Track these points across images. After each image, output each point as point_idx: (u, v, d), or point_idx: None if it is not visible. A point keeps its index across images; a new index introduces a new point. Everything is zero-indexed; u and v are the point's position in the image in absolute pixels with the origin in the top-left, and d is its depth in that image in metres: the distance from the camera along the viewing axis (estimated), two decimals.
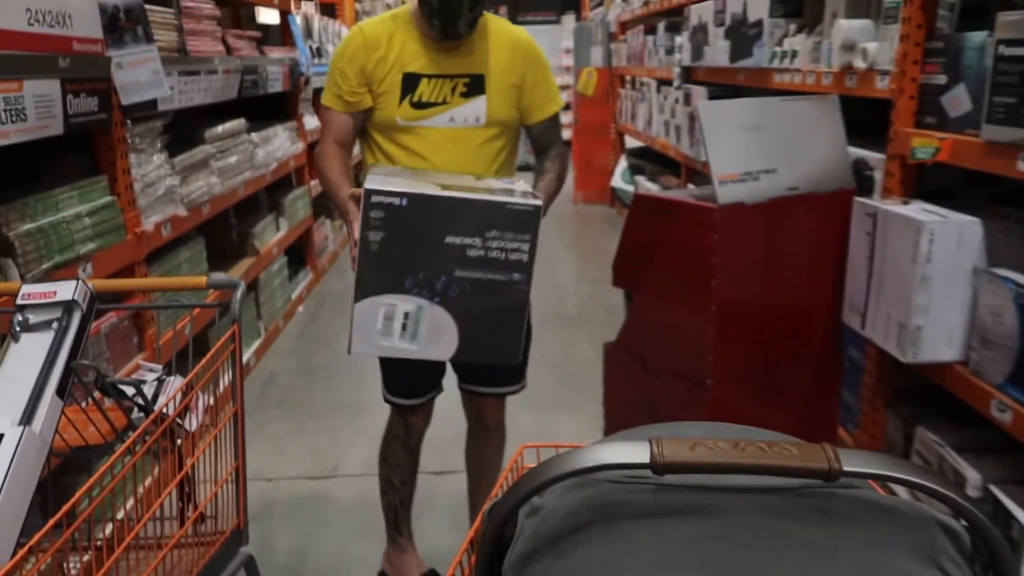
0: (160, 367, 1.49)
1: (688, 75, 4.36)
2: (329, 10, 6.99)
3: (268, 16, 5.00)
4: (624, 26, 6.91)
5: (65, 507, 1.03)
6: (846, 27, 2.33)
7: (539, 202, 1.54)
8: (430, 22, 1.75)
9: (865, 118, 2.33)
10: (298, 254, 4.89)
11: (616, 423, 2.33)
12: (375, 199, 1.50)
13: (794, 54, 2.83)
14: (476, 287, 1.55)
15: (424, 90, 1.82)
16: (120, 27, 2.44)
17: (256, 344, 3.80)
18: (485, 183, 1.70)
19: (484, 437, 2.17)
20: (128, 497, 1.27)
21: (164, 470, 1.38)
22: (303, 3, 5.21)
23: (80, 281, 1.30)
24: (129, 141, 2.55)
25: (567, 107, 8.32)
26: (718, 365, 1.93)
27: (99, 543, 1.39)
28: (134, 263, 2.50)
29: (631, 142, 7.01)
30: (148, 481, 2.07)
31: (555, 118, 1.97)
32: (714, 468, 0.64)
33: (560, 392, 3.29)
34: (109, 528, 1.44)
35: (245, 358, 3.65)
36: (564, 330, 4.08)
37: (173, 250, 2.92)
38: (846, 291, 2.08)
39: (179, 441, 1.40)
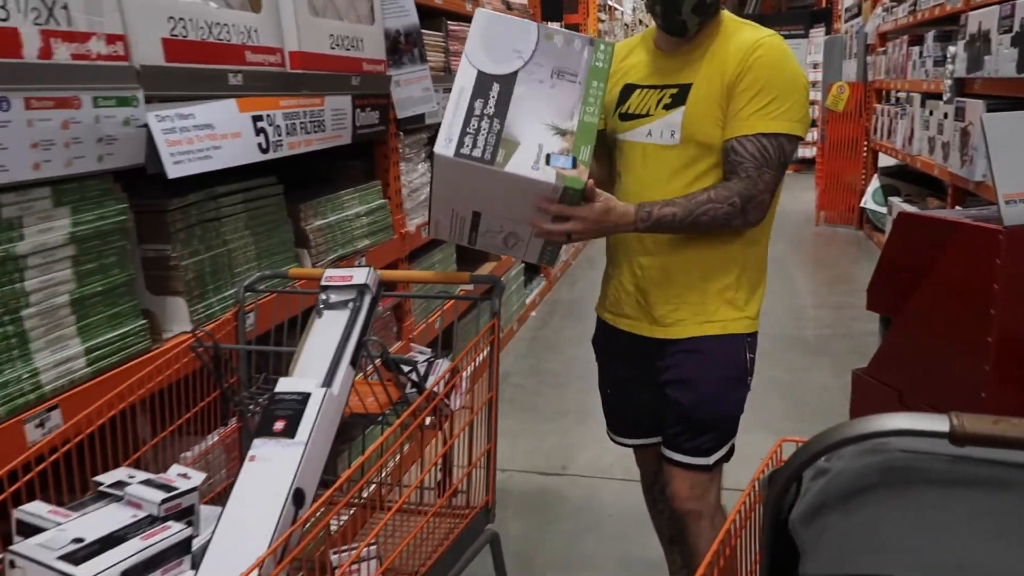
0: (429, 350, 1.65)
1: (961, 88, 3.99)
2: (573, 29, 7.24)
3: None
4: (883, 37, 6.45)
5: (357, 463, 1.17)
6: None
7: (446, 153, 1.33)
8: (652, 8, 1.55)
9: None
10: None
11: None
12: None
13: None
14: None
15: (633, 101, 1.64)
16: (400, 49, 2.72)
17: None
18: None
19: (682, 519, 1.77)
20: (391, 463, 1.41)
21: (428, 444, 1.53)
22: (550, 24, 5.46)
23: (371, 268, 1.48)
24: (400, 151, 2.83)
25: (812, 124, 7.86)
26: (994, 405, 1.75)
27: (362, 501, 1.57)
28: (398, 260, 2.77)
29: (884, 160, 6.51)
30: (406, 450, 2.28)
31: (751, 142, 1.50)
32: (1021, 444, 0.64)
33: (793, 419, 3.13)
34: (370, 488, 1.62)
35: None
36: (801, 356, 3.88)
37: (428, 251, 3.18)
38: None
39: (443, 418, 1.53)
